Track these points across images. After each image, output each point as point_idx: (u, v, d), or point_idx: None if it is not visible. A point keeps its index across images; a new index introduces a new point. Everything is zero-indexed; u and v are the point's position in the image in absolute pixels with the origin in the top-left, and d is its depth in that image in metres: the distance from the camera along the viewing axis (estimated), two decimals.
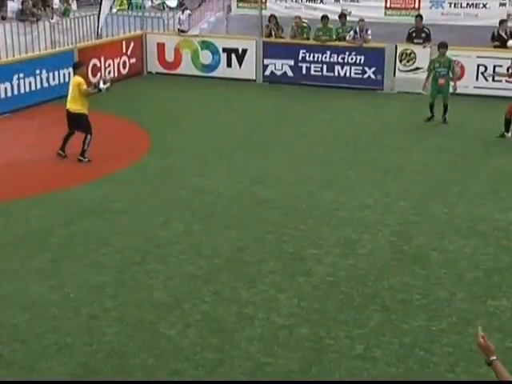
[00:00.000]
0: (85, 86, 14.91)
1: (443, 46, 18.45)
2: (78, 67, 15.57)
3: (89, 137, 14.85)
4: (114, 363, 8.13)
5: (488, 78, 19.18)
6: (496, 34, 21.24)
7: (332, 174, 14.66)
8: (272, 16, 23.52)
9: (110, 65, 22.41)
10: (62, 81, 20.41)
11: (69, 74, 20.58)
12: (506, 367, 8.01)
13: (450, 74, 18.34)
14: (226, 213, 12.58)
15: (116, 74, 22.67)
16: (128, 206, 12.88)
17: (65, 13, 27.90)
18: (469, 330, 8.95)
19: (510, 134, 16.24)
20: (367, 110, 19.64)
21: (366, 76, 21.83)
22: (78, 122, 14.95)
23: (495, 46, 21.12)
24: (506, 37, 21.10)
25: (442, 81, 18.04)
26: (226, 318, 9.12)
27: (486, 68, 20.69)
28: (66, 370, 7.96)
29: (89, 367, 8.04)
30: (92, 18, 25.18)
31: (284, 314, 9.25)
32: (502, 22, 21.45)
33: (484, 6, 23.35)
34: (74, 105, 14.90)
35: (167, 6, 31.31)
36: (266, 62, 22.80)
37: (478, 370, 8.11)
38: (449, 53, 20.65)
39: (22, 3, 24.05)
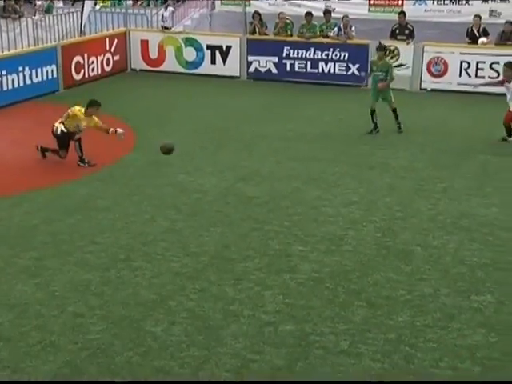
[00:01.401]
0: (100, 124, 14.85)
1: (380, 49, 17.62)
2: (95, 105, 14.91)
3: (76, 143, 14.71)
4: (100, 361, 8.12)
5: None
6: (470, 30, 21.39)
7: (317, 170, 14.69)
8: (256, 13, 23.52)
9: (93, 62, 22.40)
10: (45, 78, 20.40)
11: (52, 71, 20.61)
12: (491, 362, 8.13)
13: (390, 78, 17.31)
14: (212, 210, 12.59)
15: (100, 71, 22.67)
16: (113, 203, 12.88)
17: (48, 10, 27.83)
18: (453, 325, 9.01)
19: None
20: (352, 107, 19.66)
21: (350, 72, 21.91)
22: (62, 141, 14.83)
23: (468, 43, 21.26)
24: (477, 34, 21.24)
25: (381, 85, 17.17)
26: (211, 316, 9.13)
27: (469, 64, 20.82)
28: (50, 369, 7.94)
29: (74, 366, 8.02)
30: (75, 14, 25.09)
31: (269, 311, 9.26)
32: (475, 17, 21.58)
33: (467, 2, 23.50)
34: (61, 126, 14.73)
35: None
36: (250, 58, 22.83)
37: (462, 364, 8.18)
38: (432, 49, 20.86)
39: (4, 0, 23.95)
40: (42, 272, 10.18)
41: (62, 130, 14.62)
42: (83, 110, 14.75)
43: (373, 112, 17.39)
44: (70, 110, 14.77)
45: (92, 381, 7.50)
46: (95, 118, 14.81)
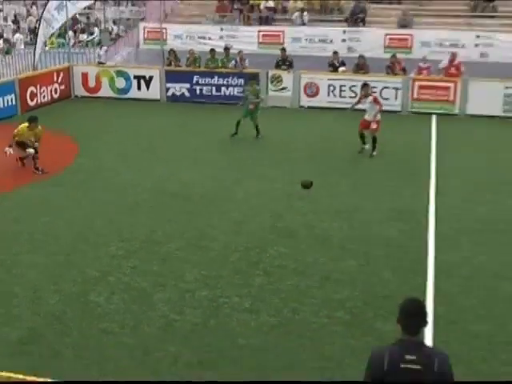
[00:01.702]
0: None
1: (254, 82, 18.28)
2: (34, 120, 14.50)
3: (36, 155, 14.37)
4: (56, 327, 7.97)
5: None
6: (331, 62, 21.77)
7: (224, 173, 14.60)
8: (171, 50, 23.41)
9: (44, 91, 21.79)
10: (5, 105, 19.84)
11: (11, 99, 20.07)
12: (356, 310, 8.19)
13: (259, 99, 17.82)
14: (144, 205, 12.34)
15: (49, 98, 22.12)
16: (62, 202, 12.55)
17: (8, 52, 27.09)
18: (328, 284, 9.12)
19: (367, 146, 16.20)
20: (247, 123, 19.42)
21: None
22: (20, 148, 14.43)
23: (331, 71, 21.62)
24: (337, 64, 21.66)
25: (251, 106, 17.53)
26: (143, 287, 9.02)
27: (334, 87, 21.18)
28: (17, 334, 7.76)
29: (35, 331, 7.87)
30: (29, 54, 24.36)
31: (189, 281, 9.21)
32: (334, 52, 21.99)
33: (331, 41, 23.80)
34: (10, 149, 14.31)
35: (91, 40, 30.65)
36: (168, 85, 22.59)
37: (335, 313, 8.32)
38: (307, 76, 21.12)
39: None
40: (5, 258, 9.89)
41: (10, 152, 14.26)
42: (26, 125, 14.38)
43: (238, 123, 17.61)
44: (15, 131, 14.37)
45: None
46: (39, 130, 14.44)
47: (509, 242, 10.77)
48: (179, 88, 22.56)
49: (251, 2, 25.98)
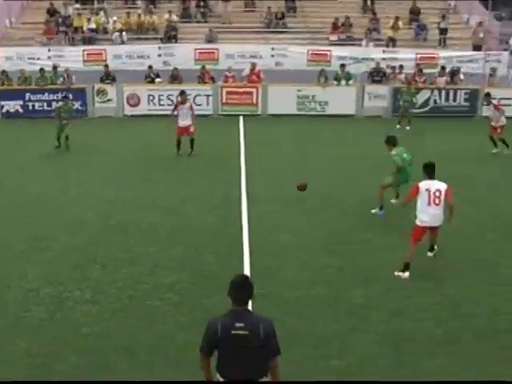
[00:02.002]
0: None
1: (68, 102, 17.73)
2: None
3: None
4: None
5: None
6: (147, 74, 21.73)
7: (53, 180, 14.07)
8: (3, 71, 22.14)
9: None
10: None
11: None
12: (184, 291, 8.26)
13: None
14: None
15: None
16: None
17: None
18: (157, 270, 9.19)
19: (193, 152, 15.88)
20: (78, 130, 18.68)
21: (74, 107, 21.01)
22: None
23: (148, 82, 21.64)
24: (153, 76, 21.69)
25: (65, 121, 16.83)
26: None
27: (154, 97, 21.26)
28: None
29: None
30: None
31: (32, 280, 8.93)
32: (149, 67, 21.92)
33: (148, 56, 23.43)
34: None
35: None
36: (2, 103, 21.40)
37: (165, 295, 8.40)
38: (129, 88, 20.95)
39: None
40: None
41: None
42: None
43: (58, 137, 16.95)
44: None
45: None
46: None
47: (311, 215, 11.43)
48: (13, 105, 21.50)
49: (75, 24, 25.10)
